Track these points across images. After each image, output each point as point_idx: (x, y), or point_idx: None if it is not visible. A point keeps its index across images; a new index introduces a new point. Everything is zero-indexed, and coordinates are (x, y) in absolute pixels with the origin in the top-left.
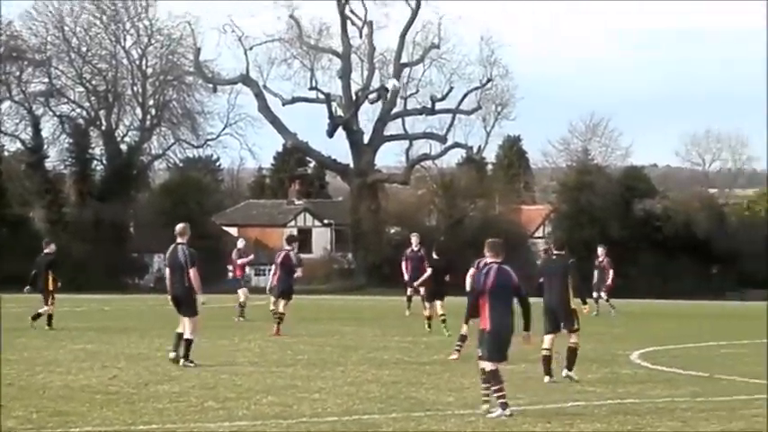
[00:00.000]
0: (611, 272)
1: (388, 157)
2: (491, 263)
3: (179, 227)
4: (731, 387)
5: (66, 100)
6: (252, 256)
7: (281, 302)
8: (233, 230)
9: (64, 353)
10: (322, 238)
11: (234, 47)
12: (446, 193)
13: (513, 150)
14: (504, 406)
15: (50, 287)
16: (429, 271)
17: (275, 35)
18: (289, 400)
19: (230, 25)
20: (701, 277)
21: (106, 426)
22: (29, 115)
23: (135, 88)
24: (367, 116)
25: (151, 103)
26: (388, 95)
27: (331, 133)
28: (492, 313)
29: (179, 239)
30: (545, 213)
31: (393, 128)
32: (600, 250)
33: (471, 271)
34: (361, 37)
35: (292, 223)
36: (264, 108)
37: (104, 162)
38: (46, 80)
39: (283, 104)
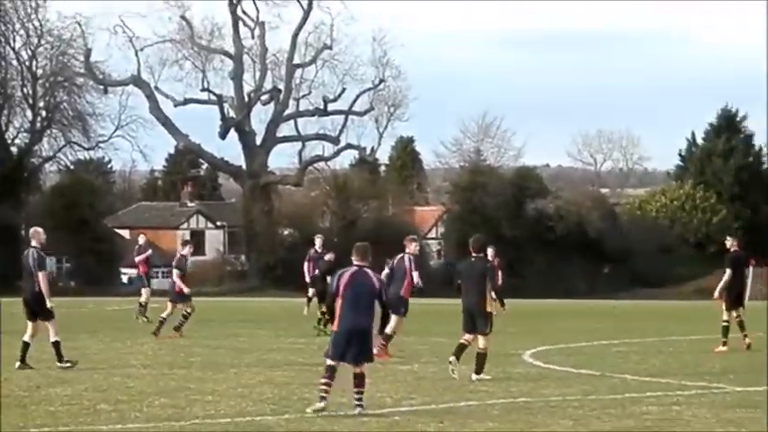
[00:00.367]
0: (499, 272)
1: (281, 159)
2: (354, 266)
3: (31, 230)
4: (622, 385)
5: None
6: (150, 252)
7: (176, 305)
8: (125, 233)
9: None
10: (215, 240)
11: (125, 48)
12: (339, 195)
13: (406, 151)
14: (359, 407)
15: None
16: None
17: (166, 36)
18: (181, 403)
19: (121, 26)
20: (592, 276)
21: None
22: None
23: (25, 90)
24: (259, 118)
25: (41, 104)
26: None
27: (223, 135)
28: (342, 315)
29: (32, 243)
30: (438, 214)
31: (286, 129)
32: (489, 251)
33: (386, 270)
34: (253, 38)
35: (185, 225)
36: (156, 109)
37: None
38: None
39: (175, 106)
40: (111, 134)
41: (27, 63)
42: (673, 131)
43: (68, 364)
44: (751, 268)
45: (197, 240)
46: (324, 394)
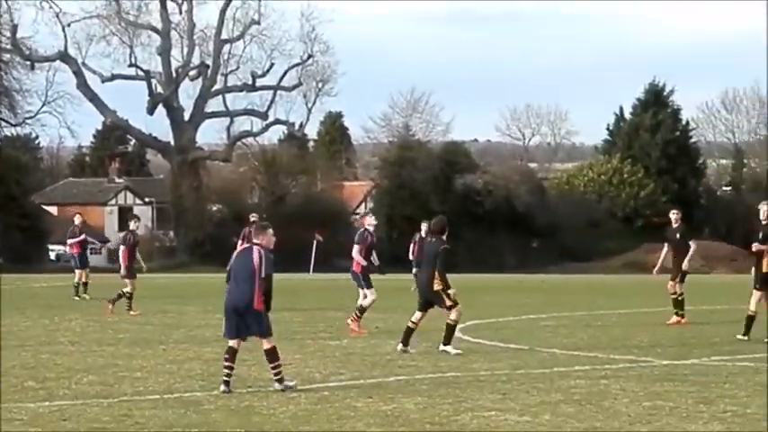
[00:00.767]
0: None
1: (210, 135)
2: (251, 244)
3: None
4: (551, 359)
5: None
6: (82, 236)
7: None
8: (53, 209)
9: None
10: (143, 217)
11: (52, 23)
12: (268, 170)
13: (334, 126)
14: (281, 381)
15: None
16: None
17: (94, 11)
18: (109, 380)
19: (48, 1)
20: (521, 251)
21: None
22: None
23: None
24: (187, 93)
25: None
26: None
27: (151, 111)
28: (227, 291)
29: None
30: (367, 189)
31: (214, 105)
32: (423, 226)
33: (358, 248)
34: (180, 13)
35: (113, 201)
36: (83, 85)
37: None
38: None
39: (103, 82)
40: (39, 110)
41: None
42: (600, 106)
43: None
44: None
45: (126, 216)
46: (226, 378)
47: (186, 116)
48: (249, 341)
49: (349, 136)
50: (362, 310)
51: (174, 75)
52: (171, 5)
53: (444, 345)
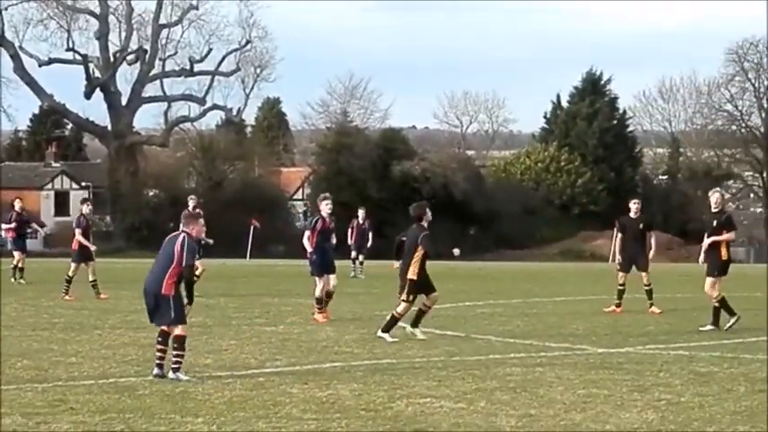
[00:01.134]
0: (370, 234)
1: (147, 119)
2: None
3: None
4: (486, 346)
5: None
6: (13, 225)
7: (79, 265)
8: None
9: None
10: (80, 201)
11: None
12: (205, 156)
13: (272, 112)
14: (176, 371)
15: None
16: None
17: None
18: (44, 364)
19: None
20: (459, 238)
21: None
22: None
23: None
24: (125, 78)
25: None
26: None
27: (88, 95)
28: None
29: None
30: (304, 175)
31: (151, 89)
32: (361, 212)
33: (307, 233)
34: None
35: (49, 186)
36: (20, 69)
37: None
38: None
39: (40, 66)
40: None
41: None
42: (538, 94)
43: None
44: (615, 230)
45: (62, 200)
46: (159, 362)
47: (124, 101)
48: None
49: (287, 122)
50: (318, 300)
51: (112, 59)
52: None
53: (383, 331)
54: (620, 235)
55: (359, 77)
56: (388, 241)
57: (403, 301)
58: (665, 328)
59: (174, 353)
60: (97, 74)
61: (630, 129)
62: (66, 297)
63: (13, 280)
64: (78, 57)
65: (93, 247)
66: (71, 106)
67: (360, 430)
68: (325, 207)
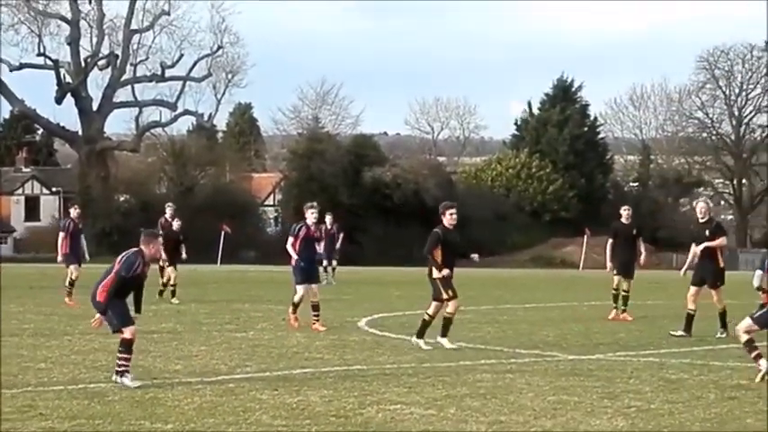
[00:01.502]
0: (339, 240)
1: (118, 125)
2: None
3: None
4: (457, 353)
5: None
6: None
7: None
8: None
9: None
10: (50, 206)
11: None
12: (176, 161)
13: (244, 118)
14: (122, 374)
15: None
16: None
17: (2, 0)
18: (14, 370)
19: None
20: None
21: None
22: None
23: None
24: (96, 83)
25: None
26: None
27: (59, 100)
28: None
29: None
30: (276, 181)
31: (123, 95)
32: (328, 218)
33: (291, 240)
34: (90, 3)
35: (20, 191)
36: None
37: None
38: None
39: (11, 70)
40: None
41: None
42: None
43: None
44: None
45: (32, 205)
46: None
47: (95, 106)
48: (157, 334)
49: (258, 127)
50: (295, 306)
51: (83, 64)
52: None
53: (441, 337)
54: (610, 240)
55: (330, 83)
56: (359, 247)
57: (446, 300)
58: (636, 335)
59: (119, 356)
60: (68, 79)
61: (601, 136)
62: (69, 301)
63: None
64: (49, 62)
65: (86, 253)
66: (42, 111)
67: None
68: (311, 215)
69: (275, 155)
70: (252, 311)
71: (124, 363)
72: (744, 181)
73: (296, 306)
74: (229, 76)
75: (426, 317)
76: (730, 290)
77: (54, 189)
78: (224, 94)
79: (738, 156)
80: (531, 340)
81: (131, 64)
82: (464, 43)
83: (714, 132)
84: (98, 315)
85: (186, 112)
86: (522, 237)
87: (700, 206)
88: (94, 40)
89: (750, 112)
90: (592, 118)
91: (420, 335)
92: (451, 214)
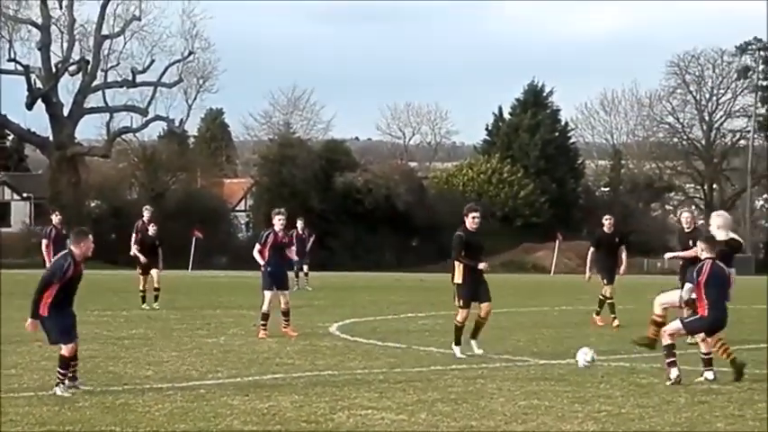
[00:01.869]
0: (309, 244)
1: (89, 130)
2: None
3: None
4: (428, 358)
5: None
6: None
7: None
8: None
9: None
10: (21, 212)
11: None
12: (148, 167)
13: (215, 123)
14: (58, 385)
15: None
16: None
17: None
18: None
19: None
20: (401, 249)
21: None
22: None
23: None
24: (67, 88)
25: None
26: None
27: (30, 105)
28: None
29: None
30: (247, 186)
31: (94, 100)
32: (299, 223)
33: (258, 247)
34: (60, 8)
35: None
36: None
37: None
38: None
39: None
40: None
41: None
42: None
43: None
44: (557, 242)
45: (3, 211)
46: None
47: (66, 111)
48: (128, 339)
49: (229, 133)
50: (264, 316)
51: (54, 70)
52: (51, 0)
53: (455, 344)
54: (592, 249)
55: (302, 89)
56: (331, 253)
57: (459, 307)
58: (607, 339)
59: (57, 369)
60: (39, 84)
61: (572, 141)
62: None
63: None
64: (20, 67)
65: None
66: (12, 117)
67: None
68: (278, 222)
69: (246, 160)
70: (223, 317)
71: (60, 376)
72: (714, 186)
73: (266, 318)
74: (200, 81)
75: (478, 318)
76: None
77: (25, 195)
78: (195, 99)
79: (709, 160)
80: (502, 345)
81: (102, 69)
82: (435, 48)
83: (685, 137)
84: (31, 319)
85: (157, 118)
86: (494, 242)
87: (684, 216)
88: (65, 45)
89: (720, 117)
90: (563, 123)
91: (457, 342)
92: (474, 217)
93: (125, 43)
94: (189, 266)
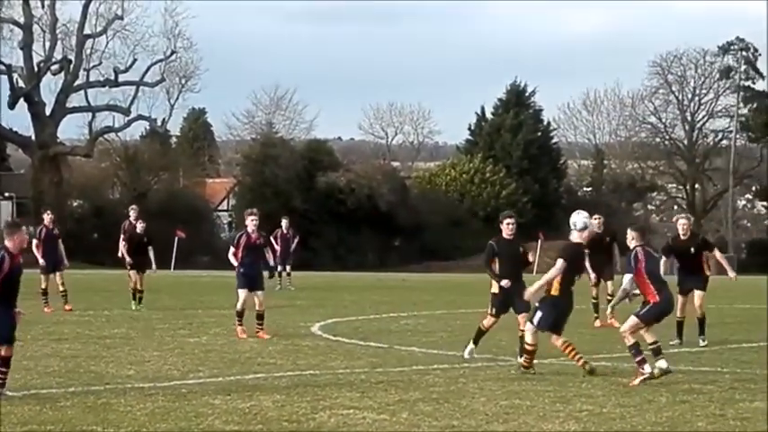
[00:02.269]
0: (293, 245)
1: (71, 130)
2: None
3: None
4: (409, 358)
5: None
6: None
7: (58, 275)
8: None
9: None
10: (3, 212)
11: None
12: (130, 166)
13: (197, 123)
14: (1, 386)
15: None
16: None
17: None
18: None
19: None
20: (383, 249)
21: None
22: None
23: None
24: (49, 88)
25: None
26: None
27: (12, 105)
28: None
29: None
30: (229, 186)
31: (76, 100)
32: (284, 222)
33: (232, 249)
34: (43, 7)
35: None
36: None
37: None
38: None
39: None
40: None
41: None
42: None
43: None
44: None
45: None
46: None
47: (48, 111)
48: (110, 339)
49: (212, 132)
50: (239, 314)
51: (36, 69)
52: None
53: (473, 343)
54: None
55: (284, 88)
56: (313, 253)
57: (489, 315)
58: (588, 339)
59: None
60: (21, 84)
61: (555, 141)
62: (46, 309)
63: None
64: (2, 66)
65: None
66: None
67: None
68: (251, 223)
69: (229, 160)
70: (205, 317)
71: (2, 375)
72: (697, 186)
73: (240, 315)
74: (183, 80)
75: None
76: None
77: (7, 194)
78: (177, 98)
79: (691, 160)
80: (484, 345)
81: (84, 69)
82: (418, 48)
83: (667, 137)
84: None
85: (140, 117)
86: (476, 242)
87: (681, 223)
88: (47, 44)
89: (703, 117)
90: (545, 123)
91: (475, 341)
92: (508, 224)
93: (107, 42)
94: (171, 266)
